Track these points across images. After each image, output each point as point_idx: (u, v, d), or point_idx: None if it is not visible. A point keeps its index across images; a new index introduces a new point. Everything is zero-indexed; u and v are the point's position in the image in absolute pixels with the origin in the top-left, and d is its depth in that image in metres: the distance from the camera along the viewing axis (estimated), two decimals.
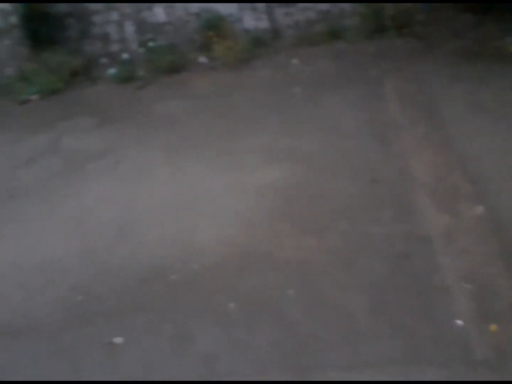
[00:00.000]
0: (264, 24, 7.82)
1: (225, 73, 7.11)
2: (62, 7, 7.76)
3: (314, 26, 7.70)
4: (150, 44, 7.75)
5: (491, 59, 6.18)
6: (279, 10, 7.78)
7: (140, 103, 6.66)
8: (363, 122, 5.32)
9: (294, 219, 4.13)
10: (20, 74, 7.70)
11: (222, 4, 7.70)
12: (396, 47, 6.95)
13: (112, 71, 7.59)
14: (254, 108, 6.03)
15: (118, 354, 3.24)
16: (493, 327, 3.00)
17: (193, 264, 3.84)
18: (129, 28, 7.96)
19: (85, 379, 3.10)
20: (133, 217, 4.47)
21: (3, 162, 5.74)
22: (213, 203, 4.47)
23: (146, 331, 3.37)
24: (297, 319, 3.27)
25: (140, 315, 3.50)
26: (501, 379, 2.76)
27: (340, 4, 7.71)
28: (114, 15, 7.91)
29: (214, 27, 7.59)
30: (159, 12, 7.88)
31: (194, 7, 7.79)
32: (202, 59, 7.53)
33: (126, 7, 7.85)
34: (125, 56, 7.88)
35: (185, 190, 4.71)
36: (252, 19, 7.82)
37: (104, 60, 7.92)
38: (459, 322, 3.08)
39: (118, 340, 3.33)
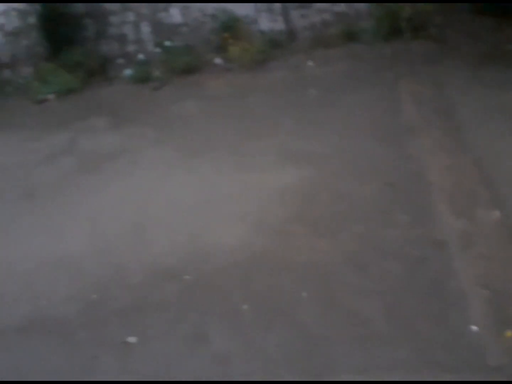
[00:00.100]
0: (279, 25, 7.82)
1: (240, 74, 7.12)
2: (80, 8, 7.82)
3: (329, 28, 7.68)
4: (167, 44, 7.78)
5: (508, 62, 6.12)
6: (295, 12, 7.78)
7: (155, 103, 6.69)
8: (378, 125, 5.30)
9: (308, 221, 4.13)
10: (37, 74, 7.78)
11: (238, 5, 7.71)
12: (412, 49, 6.91)
13: (128, 71, 7.64)
14: (269, 109, 6.03)
15: (132, 353, 3.26)
16: (509, 333, 2.97)
17: (207, 265, 3.86)
18: (145, 29, 8.01)
19: (99, 379, 3.12)
20: (148, 217, 4.49)
21: (20, 160, 5.80)
22: (227, 204, 4.48)
23: (160, 331, 3.38)
24: (310, 322, 3.26)
25: (154, 314, 3.52)
26: None
27: (356, 6, 7.69)
28: (131, 16, 7.96)
29: (230, 29, 7.60)
30: (175, 13, 7.91)
31: (210, 8, 7.81)
32: (218, 60, 7.55)
33: (143, 8, 7.90)
34: (141, 56, 7.93)
35: (199, 191, 4.72)
36: (268, 21, 7.82)
37: (120, 60, 7.97)
38: (474, 327, 3.05)
39: (132, 339, 3.35)
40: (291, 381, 2.95)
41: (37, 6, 7.65)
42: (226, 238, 4.08)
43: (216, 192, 4.65)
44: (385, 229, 3.90)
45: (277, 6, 7.76)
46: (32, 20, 7.93)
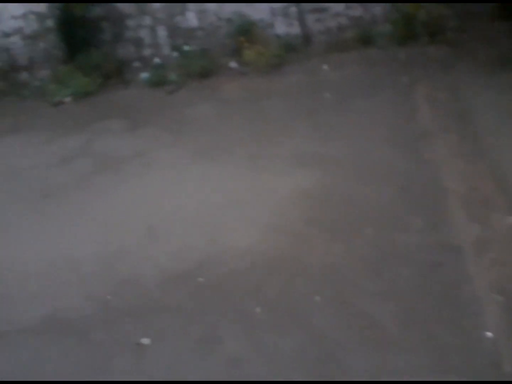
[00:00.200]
0: (295, 30, 7.82)
1: (255, 78, 7.13)
2: (97, 11, 7.89)
3: (345, 32, 7.68)
4: (184, 48, 7.82)
5: None
6: (311, 16, 7.78)
7: (171, 107, 6.73)
8: (394, 129, 5.29)
9: (322, 225, 4.13)
10: (54, 76, 7.86)
11: (254, 9, 7.73)
12: (428, 54, 6.87)
13: (144, 75, 7.69)
14: (284, 113, 6.04)
15: (146, 355, 3.28)
16: None
17: (221, 267, 3.87)
18: (162, 33, 8.06)
19: (113, 379, 3.14)
20: (162, 219, 4.52)
21: (37, 162, 5.86)
22: (241, 207, 4.49)
23: (173, 333, 3.40)
24: (324, 326, 3.26)
25: (168, 316, 3.54)
26: None
27: (372, 10, 7.68)
28: (147, 20, 8.01)
29: (246, 33, 7.62)
30: (191, 17, 7.95)
31: (226, 12, 7.84)
32: (233, 64, 7.57)
33: (159, 12, 7.95)
34: (157, 60, 7.98)
35: (213, 194, 4.74)
36: (283, 25, 7.84)
37: (136, 64, 8.03)
38: (489, 333, 3.03)
39: (145, 340, 3.37)
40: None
41: (55, 10, 7.73)
42: (239, 241, 4.09)
43: (230, 195, 4.67)
44: (399, 233, 3.88)
45: (293, 10, 7.77)
46: (50, 23, 8.02)
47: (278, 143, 5.39)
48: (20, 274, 4.16)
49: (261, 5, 7.74)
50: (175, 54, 7.88)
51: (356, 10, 7.72)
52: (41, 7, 7.97)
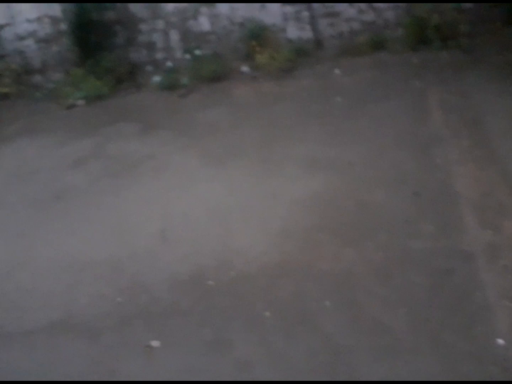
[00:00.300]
0: (307, 34, 7.84)
1: (267, 82, 7.15)
2: (110, 15, 7.96)
3: (357, 37, 7.68)
4: (196, 52, 7.86)
5: None
6: (323, 21, 7.79)
7: (182, 110, 6.76)
8: (406, 134, 5.27)
9: (333, 229, 4.11)
10: (67, 79, 7.93)
11: (266, 14, 7.75)
12: (441, 58, 6.85)
13: (156, 78, 7.73)
14: (295, 117, 6.04)
15: (155, 357, 3.29)
16: None
17: (231, 271, 3.87)
18: (174, 37, 8.10)
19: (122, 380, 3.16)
20: (173, 222, 4.53)
21: (49, 164, 5.91)
22: (252, 211, 4.50)
23: (183, 336, 3.40)
24: (333, 331, 3.24)
25: (178, 319, 3.54)
26: None
27: (384, 14, 7.67)
28: (160, 24, 8.06)
29: (258, 37, 7.65)
30: (203, 21, 7.99)
31: (238, 17, 7.87)
32: (245, 68, 7.59)
33: (172, 16, 8.00)
34: (169, 64, 8.02)
35: (224, 198, 4.75)
36: (295, 29, 7.85)
37: (149, 67, 8.08)
38: (501, 341, 3.00)
39: (155, 343, 3.37)
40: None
41: (69, 13, 7.80)
42: (250, 245, 4.09)
43: (241, 199, 4.67)
44: (411, 239, 3.86)
45: (305, 14, 7.78)
46: (64, 27, 8.09)
47: (289, 147, 5.39)
48: (31, 276, 4.19)
49: (273, 9, 7.77)
50: (187, 58, 7.92)
51: (368, 14, 7.72)
52: (56, 10, 8.05)
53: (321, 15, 7.78)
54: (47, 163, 5.96)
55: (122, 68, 7.76)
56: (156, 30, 8.11)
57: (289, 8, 7.77)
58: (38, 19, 8.27)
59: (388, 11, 7.67)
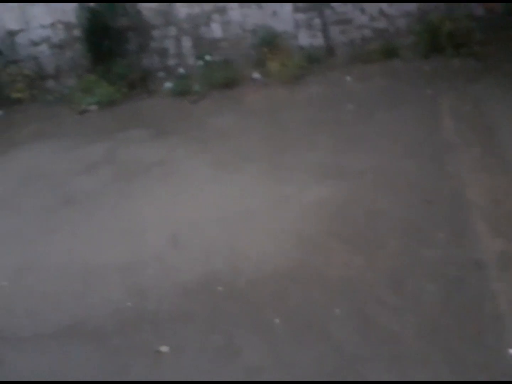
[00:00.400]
0: (319, 41, 7.86)
1: (278, 89, 7.17)
2: (123, 21, 8.02)
3: (369, 44, 7.68)
4: (207, 58, 7.89)
5: None
6: (335, 28, 7.81)
7: (193, 117, 6.79)
8: (417, 141, 5.25)
9: (343, 237, 4.10)
10: (80, 85, 8.00)
11: (277, 21, 7.78)
12: (453, 66, 6.84)
13: (168, 84, 7.78)
14: (306, 124, 6.05)
15: (164, 362, 3.28)
16: None
17: (240, 277, 3.86)
18: (186, 43, 8.15)
19: None
20: (183, 227, 4.54)
21: (61, 168, 5.95)
22: (262, 217, 4.49)
23: (192, 341, 3.40)
24: (343, 339, 3.22)
25: (187, 324, 3.54)
26: None
27: (396, 22, 7.68)
28: (173, 30, 8.11)
29: (269, 44, 7.68)
30: (216, 28, 8.03)
31: (250, 24, 7.91)
32: (256, 75, 7.62)
33: (184, 23, 8.05)
34: (181, 70, 8.06)
35: (234, 204, 4.75)
36: (307, 36, 7.87)
37: (161, 73, 8.13)
38: None
39: (164, 348, 3.37)
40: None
41: (82, 19, 7.87)
42: (260, 251, 4.08)
43: (251, 205, 4.67)
44: (422, 247, 3.84)
45: (317, 21, 7.80)
46: (77, 33, 8.17)
47: (300, 154, 5.39)
48: (42, 280, 4.21)
49: (285, 16, 7.81)
50: (199, 64, 7.95)
51: (380, 22, 7.73)
52: (69, 16, 8.13)
53: (333, 22, 7.80)
54: (58, 168, 6.00)
55: (135, 74, 7.82)
56: (169, 36, 8.16)
57: (301, 15, 7.80)
58: (52, 25, 8.35)
59: (400, 19, 7.68)
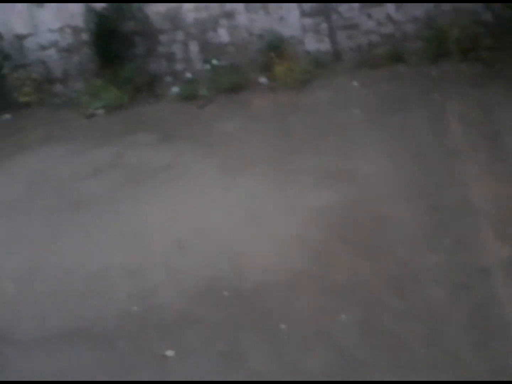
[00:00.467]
0: (326, 46, 7.86)
1: (284, 94, 7.16)
2: (131, 26, 8.05)
3: (376, 49, 7.68)
4: (213, 62, 7.91)
5: None
6: (342, 33, 7.81)
7: (200, 121, 6.80)
8: (424, 147, 5.24)
9: (349, 242, 4.09)
10: (87, 89, 8.03)
11: (284, 26, 7.80)
12: (460, 72, 6.81)
13: (175, 89, 7.80)
14: (312, 129, 6.04)
15: (170, 367, 3.29)
16: None
17: (246, 283, 3.86)
18: (193, 48, 8.17)
19: None
20: (189, 232, 4.54)
21: (68, 172, 5.97)
22: (268, 222, 4.50)
23: (198, 346, 3.40)
24: (349, 345, 3.22)
25: (192, 329, 3.54)
26: None
27: (403, 27, 7.68)
28: (180, 35, 8.14)
29: (276, 49, 7.68)
30: (223, 33, 8.05)
31: (257, 28, 7.92)
32: (263, 79, 7.62)
33: (192, 28, 8.07)
34: (188, 75, 8.08)
35: (240, 209, 4.75)
36: (314, 41, 7.88)
37: (168, 78, 8.15)
38: None
39: (170, 352, 3.37)
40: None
41: (90, 24, 7.91)
42: (266, 256, 4.08)
43: (257, 210, 4.68)
44: (428, 253, 3.83)
45: (324, 26, 7.81)
46: (85, 37, 8.21)
47: (306, 158, 5.39)
48: (49, 284, 4.22)
49: (292, 21, 7.82)
50: (206, 69, 7.97)
51: (387, 27, 7.73)
52: (77, 20, 8.17)
53: (340, 27, 7.80)
54: (66, 172, 6.01)
55: (142, 78, 7.83)
56: (176, 41, 8.18)
57: (308, 20, 7.81)
58: (60, 29, 8.39)
59: (407, 24, 7.67)
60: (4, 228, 5.12)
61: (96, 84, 7.90)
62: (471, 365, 2.96)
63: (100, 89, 7.80)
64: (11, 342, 3.67)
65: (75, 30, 8.35)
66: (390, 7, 7.67)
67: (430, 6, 7.54)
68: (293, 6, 7.79)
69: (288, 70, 7.36)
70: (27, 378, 3.35)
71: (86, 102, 7.73)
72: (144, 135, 6.62)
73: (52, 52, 8.48)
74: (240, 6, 7.90)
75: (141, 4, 7.97)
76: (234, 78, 7.53)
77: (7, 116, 8.05)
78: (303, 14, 7.81)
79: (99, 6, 7.86)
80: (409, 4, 7.57)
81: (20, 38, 8.45)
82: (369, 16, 7.71)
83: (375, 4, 7.64)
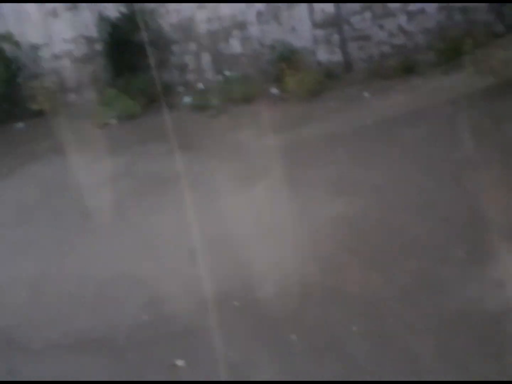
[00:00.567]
0: (337, 57, 7.89)
1: (295, 104, 7.19)
2: (144, 37, 8.13)
3: (387, 60, 7.69)
4: (226, 73, 7.97)
5: None
6: (353, 44, 7.84)
7: (212, 131, 6.84)
8: (435, 158, 5.22)
9: (360, 253, 4.08)
10: (100, 98, 8.10)
11: (296, 37, 7.84)
12: (472, 83, 6.80)
13: (187, 99, 7.85)
14: (323, 139, 6.05)
15: (180, 376, 3.28)
16: None
17: (257, 293, 3.86)
18: (206, 59, 8.23)
19: None
20: (201, 242, 4.55)
21: (81, 181, 6.02)
22: (279, 233, 4.49)
23: (208, 355, 3.39)
24: (360, 357, 3.20)
25: (203, 338, 3.54)
26: None
27: (415, 38, 7.69)
28: (192, 46, 8.21)
29: (287, 59, 7.72)
30: (235, 44, 8.11)
31: (269, 39, 7.97)
32: (274, 90, 7.66)
33: (204, 39, 8.14)
34: (200, 85, 8.14)
35: (252, 219, 4.76)
36: (325, 52, 7.91)
37: (180, 88, 8.21)
38: None
39: (180, 362, 3.37)
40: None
41: (104, 34, 8.00)
42: (277, 266, 4.08)
43: (268, 221, 4.68)
44: (440, 265, 3.80)
45: (336, 37, 7.84)
46: (98, 47, 8.30)
47: (318, 169, 5.40)
48: (58, 292, 4.24)
49: (303, 32, 7.87)
50: (218, 79, 8.03)
51: (399, 38, 7.75)
52: (91, 31, 8.27)
53: (351, 38, 7.84)
54: (78, 181, 6.06)
55: (154, 88, 7.91)
56: (188, 52, 8.26)
57: (319, 31, 7.85)
58: (74, 39, 8.50)
59: (419, 35, 7.69)
60: (15, 236, 5.17)
61: (109, 94, 7.98)
62: (484, 378, 2.93)
63: (113, 99, 7.88)
64: (23, 349, 3.68)
65: (89, 40, 8.46)
66: (402, 18, 7.69)
67: (442, 17, 7.56)
68: (305, 17, 7.84)
69: (300, 81, 7.39)
70: None
71: (99, 112, 7.80)
72: (156, 145, 6.66)
73: (66, 62, 8.60)
74: (252, 17, 7.95)
75: (154, 14, 8.05)
76: (246, 88, 7.58)
77: (21, 124, 8.15)
78: (315, 25, 7.85)
79: (112, 16, 7.96)
80: (420, 15, 7.58)
81: (35, 48, 8.56)
82: (381, 27, 7.74)
83: (387, 15, 7.67)
